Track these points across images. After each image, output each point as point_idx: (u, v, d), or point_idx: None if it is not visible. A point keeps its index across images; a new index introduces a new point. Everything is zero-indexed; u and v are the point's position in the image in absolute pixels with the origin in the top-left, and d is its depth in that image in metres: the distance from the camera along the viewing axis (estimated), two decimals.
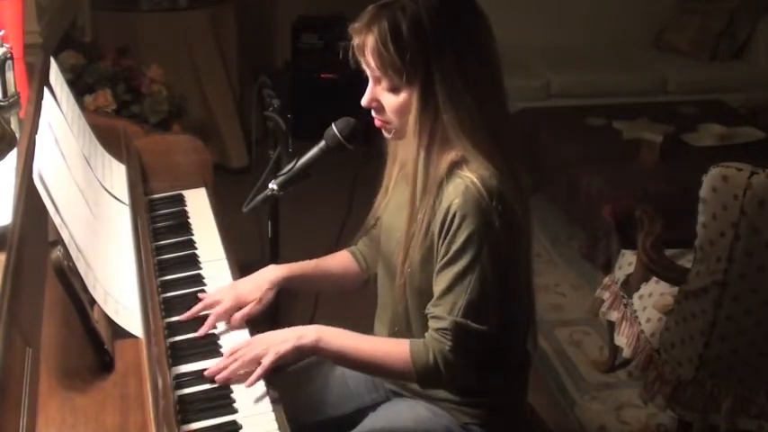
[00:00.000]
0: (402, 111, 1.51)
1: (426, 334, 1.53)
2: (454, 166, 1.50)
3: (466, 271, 1.48)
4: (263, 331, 1.73)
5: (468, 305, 1.48)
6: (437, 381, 1.55)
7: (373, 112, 1.56)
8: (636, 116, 3.75)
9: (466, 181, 1.47)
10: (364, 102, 1.55)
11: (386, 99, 1.53)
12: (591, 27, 4.98)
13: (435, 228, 1.50)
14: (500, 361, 1.62)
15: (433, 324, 1.52)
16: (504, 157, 1.51)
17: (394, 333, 1.66)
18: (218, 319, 1.68)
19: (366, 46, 1.49)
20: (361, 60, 1.52)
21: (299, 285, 1.82)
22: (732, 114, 3.98)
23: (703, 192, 2.14)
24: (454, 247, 1.48)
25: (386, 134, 1.59)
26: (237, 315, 1.68)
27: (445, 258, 1.49)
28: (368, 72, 1.53)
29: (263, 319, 1.79)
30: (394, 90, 1.50)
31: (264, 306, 1.72)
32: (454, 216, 1.47)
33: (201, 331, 1.66)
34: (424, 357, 1.51)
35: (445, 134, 1.48)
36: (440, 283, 1.51)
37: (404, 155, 1.59)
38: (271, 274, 1.75)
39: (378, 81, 1.52)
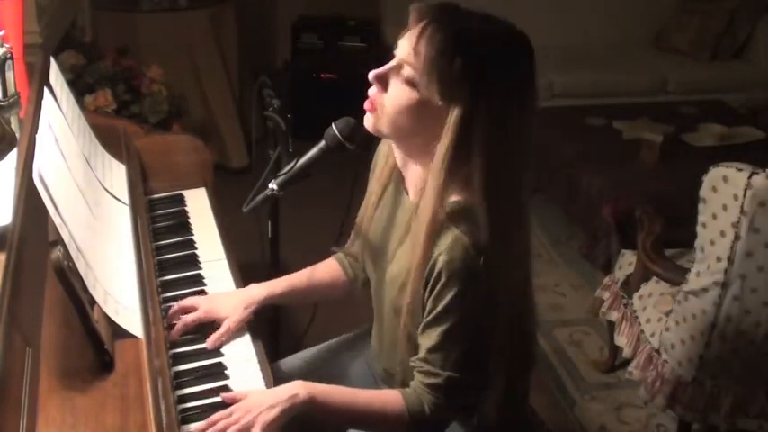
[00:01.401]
0: (402, 107, 1.42)
1: (416, 385, 1.49)
2: (450, 216, 1.42)
3: (454, 328, 1.43)
4: (263, 334, 1.73)
5: (460, 359, 1.45)
6: (428, 429, 1.53)
7: (372, 89, 1.46)
8: (636, 116, 3.75)
9: (453, 235, 1.40)
10: (376, 72, 1.44)
11: (395, 87, 1.42)
12: (591, 27, 4.98)
13: (419, 283, 1.45)
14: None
15: (423, 378, 1.48)
16: (514, 215, 1.46)
17: (389, 361, 1.66)
18: (185, 326, 1.67)
19: (423, 35, 1.37)
20: (406, 41, 1.41)
21: (285, 301, 1.80)
22: (732, 114, 3.98)
23: (703, 192, 2.14)
24: (441, 305, 1.43)
25: (367, 119, 1.48)
26: (213, 337, 1.65)
27: (432, 315, 1.45)
28: (398, 53, 1.42)
29: (264, 322, 1.79)
30: (411, 83, 1.40)
31: (240, 325, 1.69)
32: (441, 273, 1.41)
33: (172, 335, 1.66)
34: (419, 409, 1.47)
35: (467, 180, 1.41)
36: (428, 339, 1.46)
37: (418, 194, 1.50)
38: (249, 295, 1.73)
39: (400, 68, 1.42)
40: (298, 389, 1.46)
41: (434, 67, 1.37)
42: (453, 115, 1.38)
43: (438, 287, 1.42)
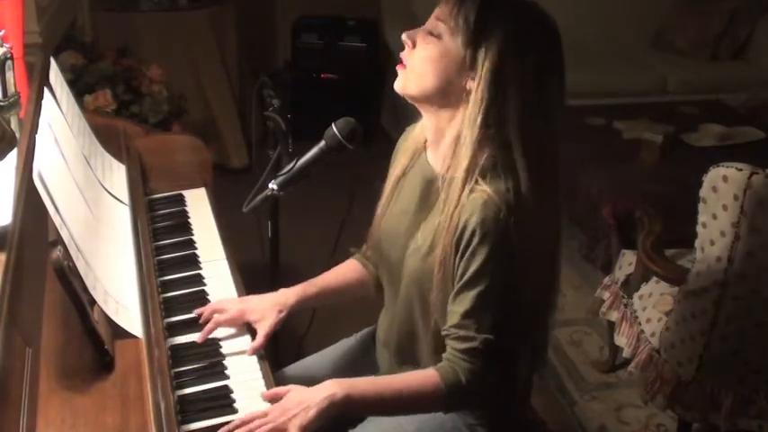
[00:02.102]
0: (426, 57, 1.47)
1: (449, 355, 1.49)
2: (481, 175, 1.44)
3: (488, 289, 1.44)
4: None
5: (495, 321, 1.45)
6: (468, 401, 1.53)
7: (404, 52, 1.52)
8: (636, 116, 3.75)
9: (483, 195, 1.43)
10: (407, 32, 1.51)
11: (422, 41, 1.48)
12: (590, 27, 4.97)
13: (450, 242, 1.46)
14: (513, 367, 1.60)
15: (457, 344, 1.47)
16: (547, 174, 1.49)
17: (399, 345, 1.66)
18: (217, 326, 1.68)
19: None
20: (437, 9, 1.48)
21: (316, 303, 1.79)
22: (732, 114, 3.97)
23: (703, 192, 2.14)
24: (474, 267, 1.44)
25: (398, 80, 1.53)
26: (255, 343, 1.65)
27: (465, 279, 1.45)
28: (434, 18, 1.50)
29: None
30: (436, 35, 1.46)
31: (274, 330, 1.69)
32: (473, 233, 1.42)
33: (200, 337, 1.65)
34: (455, 379, 1.46)
35: (500, 140, 1.44)
36: (461, 305, 1.46)
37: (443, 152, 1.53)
38: (283, 299, 1.73)
39: (429, 33, 1.48)
40: (334, 388, 1.44)
41: (460, 12, 1.44)
42: (485, 65, 1.43)
43: (471, 248, 1.43)
